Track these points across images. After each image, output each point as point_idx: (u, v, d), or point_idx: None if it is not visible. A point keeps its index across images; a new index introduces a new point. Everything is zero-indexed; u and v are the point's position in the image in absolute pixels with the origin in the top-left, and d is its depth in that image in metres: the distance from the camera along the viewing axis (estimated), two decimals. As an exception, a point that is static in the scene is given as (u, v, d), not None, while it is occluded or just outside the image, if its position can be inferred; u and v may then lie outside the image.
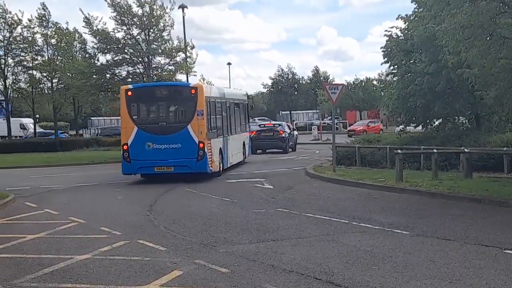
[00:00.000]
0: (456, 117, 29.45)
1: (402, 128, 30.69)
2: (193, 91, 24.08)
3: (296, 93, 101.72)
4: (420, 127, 30.78)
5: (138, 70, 39.53)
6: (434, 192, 18.11)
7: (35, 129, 56.07)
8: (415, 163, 24.31)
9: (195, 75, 44.28)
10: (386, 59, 29.15)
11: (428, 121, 29.13)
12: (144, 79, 39.01)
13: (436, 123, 29.50)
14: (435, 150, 21.95)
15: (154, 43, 38.62)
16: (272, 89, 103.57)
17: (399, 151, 21.66)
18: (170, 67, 39.65)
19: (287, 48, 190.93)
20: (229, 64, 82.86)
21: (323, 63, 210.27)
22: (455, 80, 24.20)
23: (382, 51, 29.28)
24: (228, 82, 79.78)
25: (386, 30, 29.36)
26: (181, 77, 42.77)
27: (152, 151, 23.49)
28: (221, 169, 25.68)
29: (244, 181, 23.30)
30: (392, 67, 29.75)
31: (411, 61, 27.60)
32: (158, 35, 38.53)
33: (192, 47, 40.14)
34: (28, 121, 64.39)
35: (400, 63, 28.63)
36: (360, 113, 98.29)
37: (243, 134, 31.75)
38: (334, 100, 25.30)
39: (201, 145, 23.48)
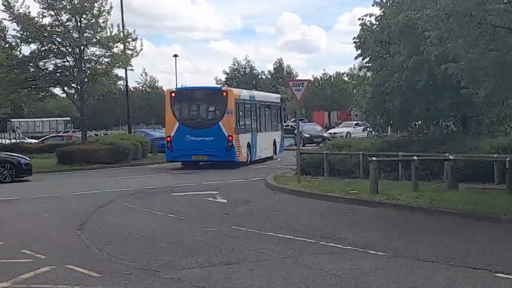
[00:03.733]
0: (440, 119, 29.68)
1: (378, 134, 30.82)
2: (224, 94, 34.24)
3: (254, 90, 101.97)
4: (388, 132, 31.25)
5: (67, 63, 39.17)
6: (414, 206, 18.26)
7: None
8: (393, 172, 24.46)
9: (132, 70, 44.26)
10: (359, 51, 29.23)
11: (407, 123, 29.29)
12: (75, 73, 38.69)
13: (417, 125, 29.67)
14: (415, 158, 22.09)
15: (88, 30, 38.28)
16: (226, 85, 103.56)
17: (373, 158, 21.79)
18: (106, 59, 39.39)
19: (242, 38, 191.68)
20: (175, 56, 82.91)
21: (284, 55, 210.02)
22: (439, 76, 24.38)
23: (355, 42, 29.35)
24: (174, 77, 79.72)
25: (359, 18, 29.39)
26: (119, 71, 42.53)
27: (190, 142, 33.07)
28: (248, 160, 35.18)
29: (193, 194, 23.24)
30: (366, 60, 29.85)
31: (388, 54, 27.74)
32: (92, 21, 38.19)
33: (135, 39, 39.96)
34: None
35: (376, 56, 28.70)
36: (329, 114, 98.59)
37: (274, 132, 41.02)
38: (299, 99, 25.38)
39: (229, 138, 32.99)
